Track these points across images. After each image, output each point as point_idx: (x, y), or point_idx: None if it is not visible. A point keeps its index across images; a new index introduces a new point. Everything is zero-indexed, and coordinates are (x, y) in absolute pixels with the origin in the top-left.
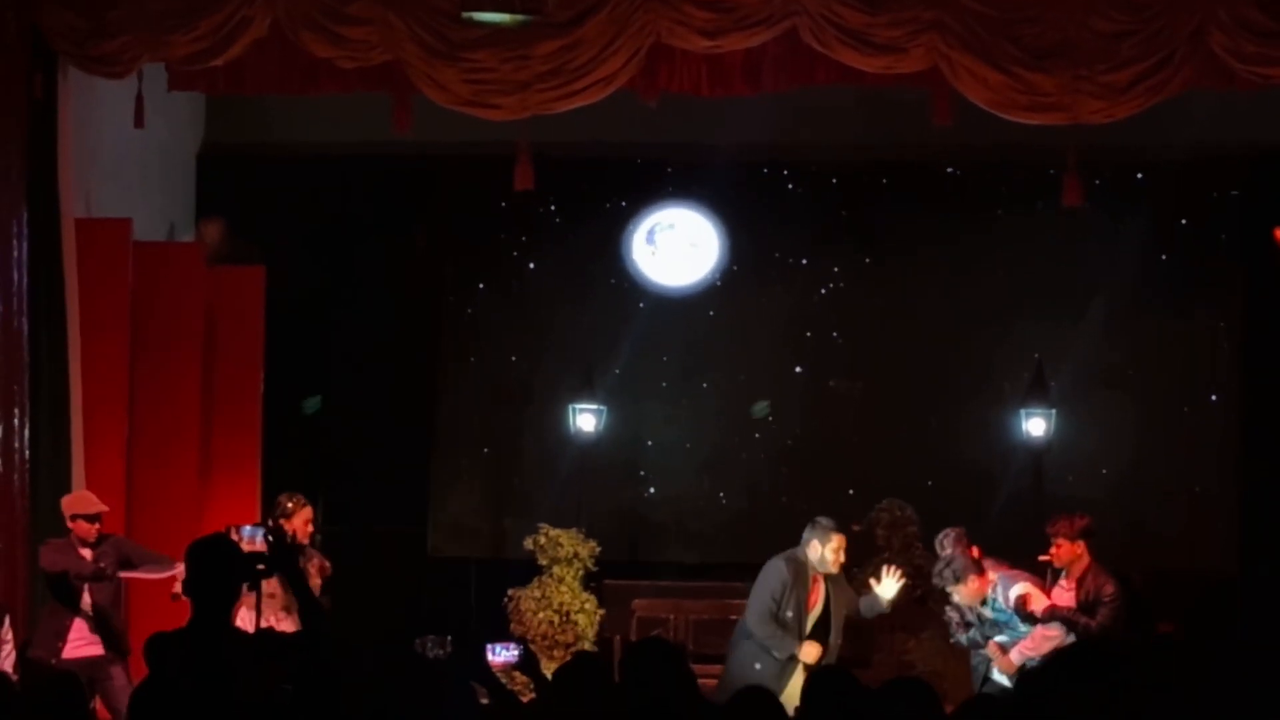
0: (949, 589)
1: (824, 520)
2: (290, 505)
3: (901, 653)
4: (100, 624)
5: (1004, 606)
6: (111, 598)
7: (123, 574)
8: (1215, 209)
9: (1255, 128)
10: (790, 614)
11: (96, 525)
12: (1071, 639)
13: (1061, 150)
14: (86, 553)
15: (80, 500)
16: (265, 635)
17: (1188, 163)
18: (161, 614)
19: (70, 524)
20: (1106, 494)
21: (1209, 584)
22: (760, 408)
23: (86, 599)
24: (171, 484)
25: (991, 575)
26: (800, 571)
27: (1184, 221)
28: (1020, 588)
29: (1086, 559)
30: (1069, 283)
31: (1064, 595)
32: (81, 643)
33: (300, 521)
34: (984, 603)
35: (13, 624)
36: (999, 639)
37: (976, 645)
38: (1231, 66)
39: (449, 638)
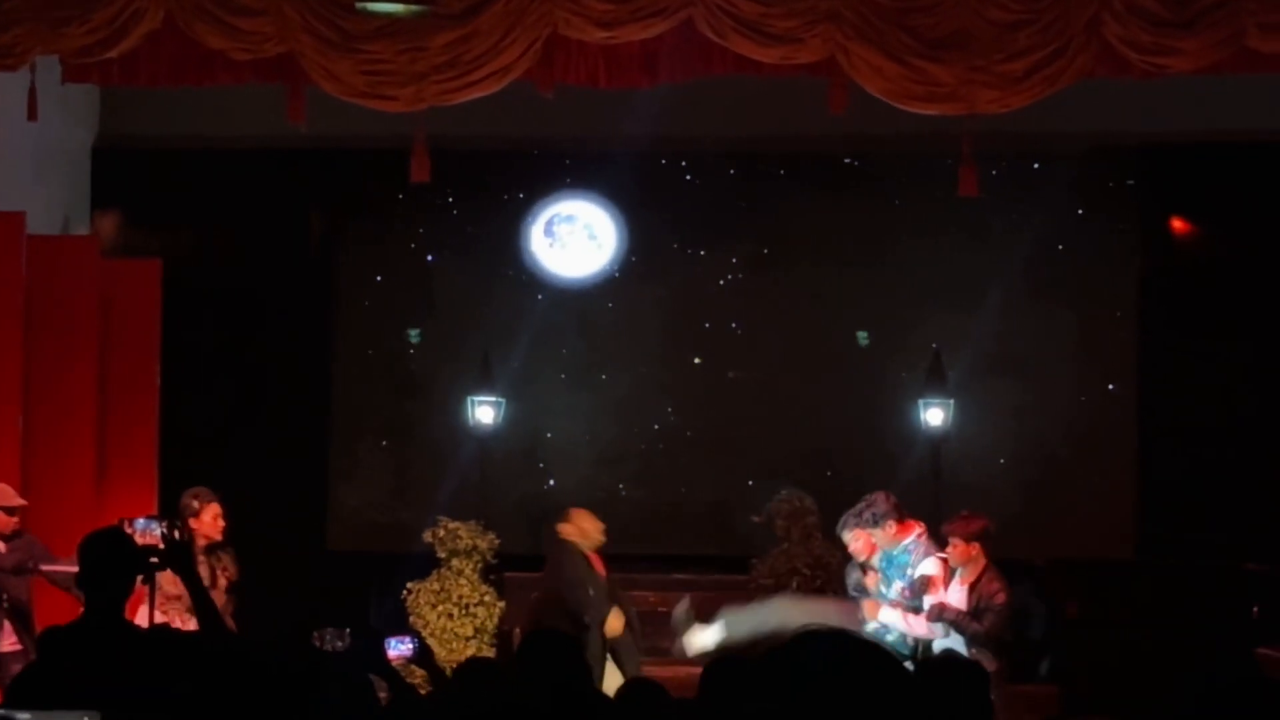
0: (859, 532)
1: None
2: (196, 504)
3: None
4: (18, 619)
5: (906, 565)
6: (27, 596)
7: (44, 567)
8: (1111, 199)
9: (1151, 118)
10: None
11: (15, 519)
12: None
13: (958, 139)
14: (1, 546)
15: (2, 492)
16: (159, 630)
17: (1084, 153)
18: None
19: None
20: (1004, 482)
21: (1106, 570)
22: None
23: (4, 594)
24: (67, 479)
25: (915, 530)
26: None
27: (1080, 211)
28: (929, 566)
29: (982, 561)
30: (966, 272)
31: (957, 592)
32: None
33: (209, 518)
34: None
35: None
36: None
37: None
38: (1127, 56)
39: (347, 631)
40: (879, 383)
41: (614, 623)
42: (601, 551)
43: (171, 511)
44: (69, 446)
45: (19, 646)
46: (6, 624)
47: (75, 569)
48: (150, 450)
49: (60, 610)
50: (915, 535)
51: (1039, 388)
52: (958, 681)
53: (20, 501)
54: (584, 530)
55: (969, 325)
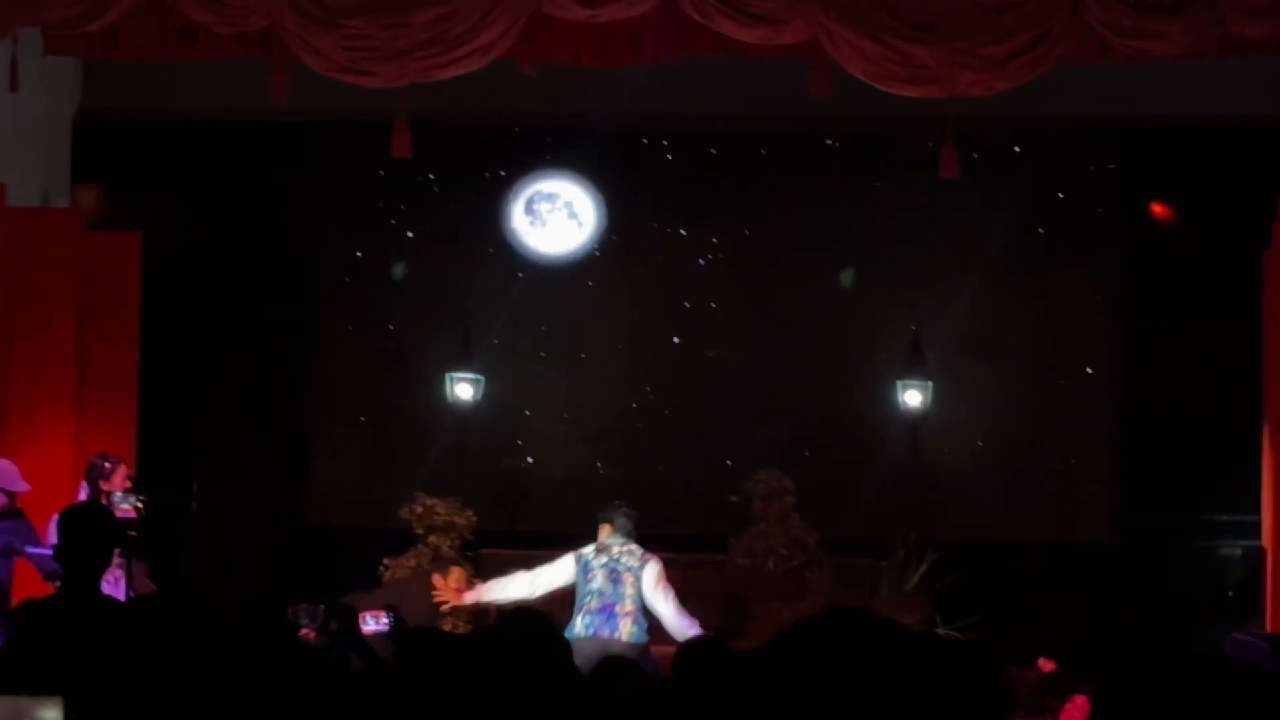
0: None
1: None
2: (108, 465)
3: (778, 623)
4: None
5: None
6: (7, 578)
7: (28, 550)
8: (1092, 182)
9: (1132, 101)
10: None
11: (11, 505)
12: None
13: (939, 122)
14: None
15: (6, 473)
16: (135, 604)
17: (1065, 136)
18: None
19: None
20: (982, 464)
21: (1083, 553)
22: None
23: None
24: (45, 453)
25: None
26: None
27: (1061, 194)
28: None
29: None
30: (946, 254)
31: None
32: None
33: (119, 480)
34: None
35: None
36: None
37: None
38: (1109, 40)
39: (321, 608)
40: (858, 364)
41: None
42: (575, 528)
43: (149, 487)
44: (47, 421)
45: None
46: None
47: (43, 552)
48: (129, 425)
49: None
50: None
51: (1017, 370)
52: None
53: (23, 486)
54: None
55: (948, 307)
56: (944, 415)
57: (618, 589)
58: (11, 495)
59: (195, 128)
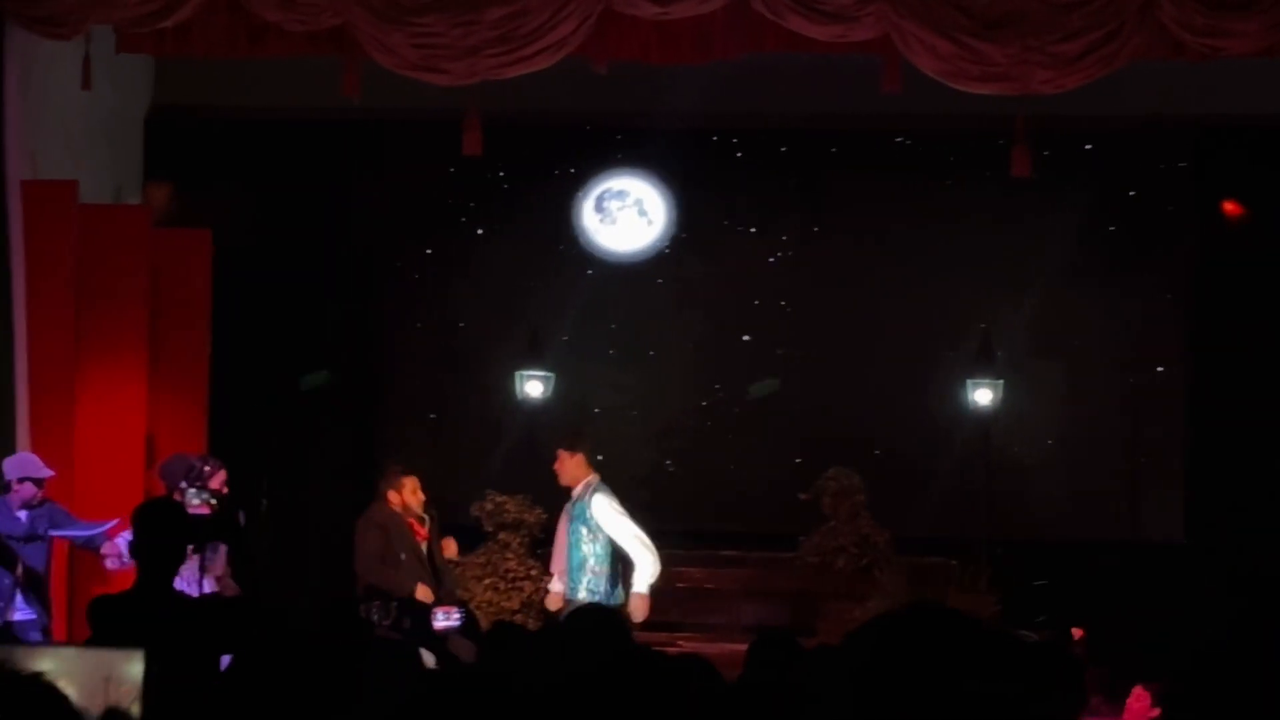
0: None
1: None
2: (207, 469)
3: (847, 621)
4: (34, 588)
5: None
6: (45, 562)
7: (52, 533)
8: (1164, 180)
9: (1204, 99)
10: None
11: (41, 491)
12: None
13: (1010, 120)
14: (23, 516)
15: (29, 462)
16: (209, 600)
17: (1137, 134)
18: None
19: (16, 485)
20: (1052, 463)
21: (1153, 553)
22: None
23: (18, 563)
24: (117, 449)
25: None
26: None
27: (1132, 193)
28: None
29: None
30: (1017, 252)
31: None
32: (20, 606)
33: (216, 485)
34: None
35: None
36: None
37: None
38: (1181, 38)
39: (394, 604)
40: (928, 362)
41: (423, 594)
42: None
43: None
44: (119, 416)
45: (32, 615)
46: (19, 593)
47: (83, 533)
48: (200, 421)
49: (85, 578)
50: None
51: (1088, 369)
52: (1053, 663)
53: (48, 473)
54: (408, 504)
55: (1019, 306)
56: (1014, 414)
57: None
58: (39, 483)
59: (266, 125)
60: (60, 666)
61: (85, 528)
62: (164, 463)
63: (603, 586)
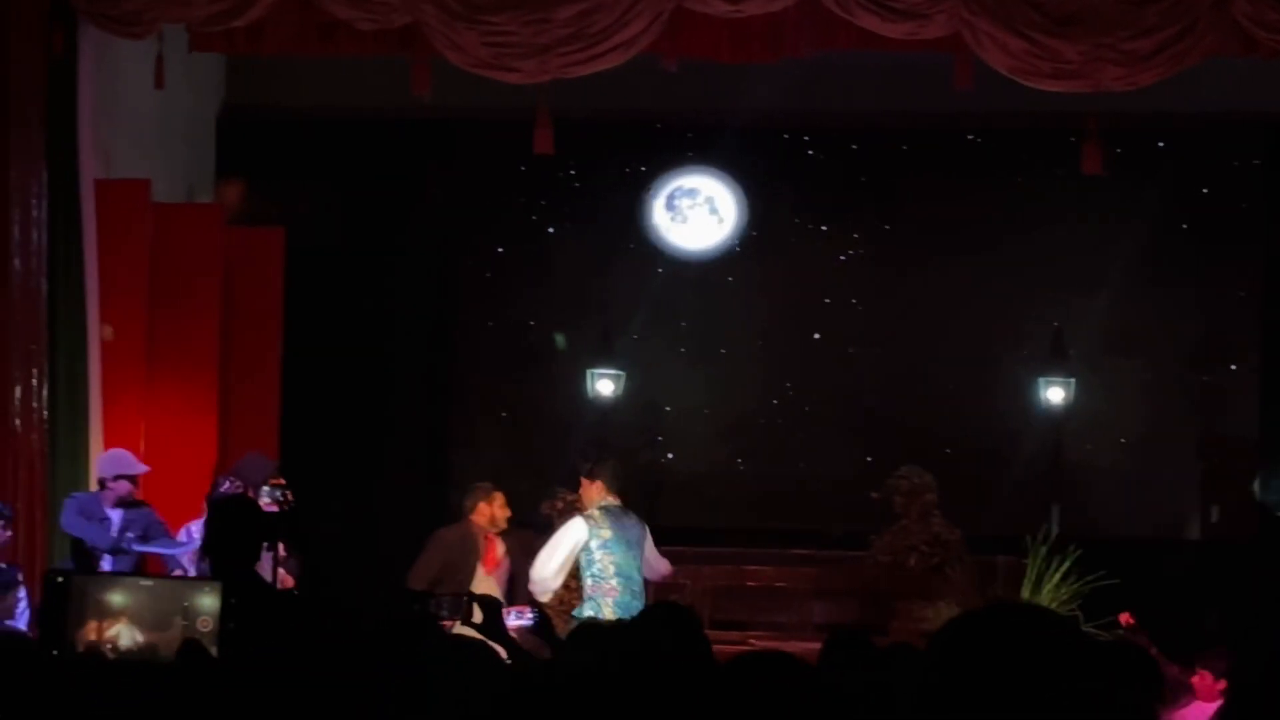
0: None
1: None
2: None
3: (919, 620)
4: None
5: None
6: (135, 567)
7: (138, 548)
8: (1236, 177)
9: (1277, 96)
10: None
11: (136, 489)
12: None
13: (1082, 117)
14: (116, 515)
15: (123, 459)
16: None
17: (1209, 130)
18: None
19: (111, 484)
20: (1125, 462)
21: (1226, 551)
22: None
23: (105, 568)
24: (190, 447)
25: None
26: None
27: (1205, 190)
28: None
29: None
30: (1089, 250)
31: None
32: None
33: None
34: None
35: (28, 583)
36: None
37: None
38: (1254, 35)
39: (465, 597)
40: (999, 360)
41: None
42: (715, 524)
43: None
44: (191, 414)
45: None
46: None
47: (180, 549)
48: (272, 419)
49: None
50: None
51: (1161, 366)
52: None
53: (142, 468)
54: (496, 518)
55: (1091, 303)
56: (1086, 412)
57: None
58: (133, 479)
59: (337, 124)
60: (137, 597)
61: (173, 545)
62: (240, 461)
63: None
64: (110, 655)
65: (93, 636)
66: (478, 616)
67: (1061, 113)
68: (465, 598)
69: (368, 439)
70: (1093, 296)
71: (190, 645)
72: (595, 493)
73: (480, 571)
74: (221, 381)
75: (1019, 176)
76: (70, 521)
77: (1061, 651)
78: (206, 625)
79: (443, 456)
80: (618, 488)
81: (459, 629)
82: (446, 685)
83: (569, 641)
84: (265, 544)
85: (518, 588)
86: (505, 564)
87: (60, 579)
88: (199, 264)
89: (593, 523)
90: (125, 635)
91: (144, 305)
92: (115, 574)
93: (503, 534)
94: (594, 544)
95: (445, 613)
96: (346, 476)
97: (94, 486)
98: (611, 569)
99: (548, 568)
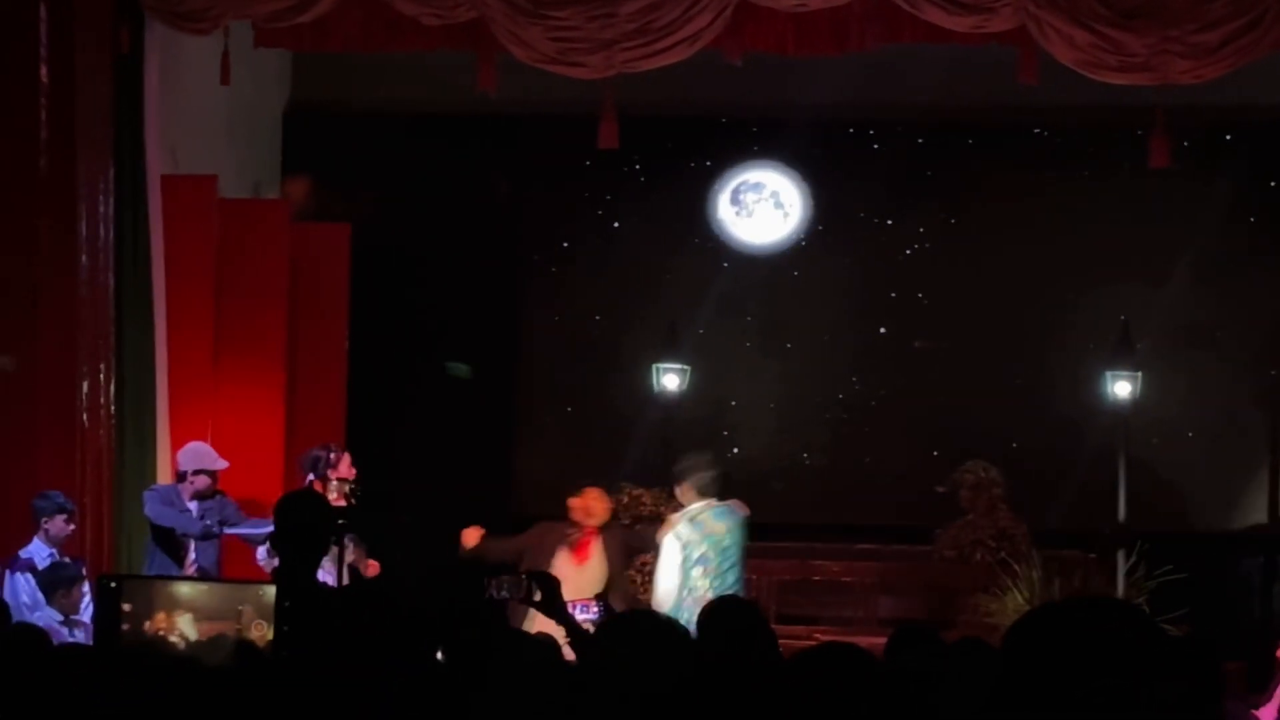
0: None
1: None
2: (333, 455)
3: (984, 614)
4: None
5: None
6: (215, 559)
7: (229, 530)
8: None
9: None
10: None
11: (215, 483)
12: None
13: (1149, 111)
14: (194, 507)
15: (204, 454)
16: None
17: (1278, 123)
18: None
19: (191, 477)
20: (1192, 455)
21: None
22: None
23: (191, 557)
24: (256, 442)
25: None
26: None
27: (1273, 183)
28: None
29: None
30: (1156, 243)
31: None
32: None
33: (345, 467)
34: None
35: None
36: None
37: None
38: None
39: (524, 576)
40: (1066, 354)
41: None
42: (780, 519)
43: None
44: (258, 410)
45: None
46: None
47: (257, 531)
48: (339, 414)
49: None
50: None
51: (1229, 361)
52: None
53: (222, 464)
54: (588, 509)
55: (1158, 297)
56: (1154, 406)
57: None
58: (213, 475)
59: (403, 120)
60: (194, 597)
61: (256, 525)
62: (303, 455)
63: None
64: (178, 645)
65: (161, 628)
66: (538, 596)
67: (1128, 106)
68: (524, 577)
69: (433, 434)
70: (1161, 290)
71: (244, 647)
72: (685, 496)
73: (570, 561)
74: (288, 378)
75: (1085, 170)
76: (157, 511)
77: (1139, 647)
78: (260, 628)
79: (507, 451)
80: (711, 490)
81: (530, 620)
82: (506, 668)
83: (616, 637)
84: (333, 539)
85: (616, 585)
86: (599, 559)
87: (113, 584)
88: (265, 260)
89: (680, 540)
90: (188, 628)
91: (211, 301)
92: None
93: (605, 530)
94: (691, 556)
95: (506, 593)
96: (411, 471)
97: (165, 479)
98: (704, 583)
99: (669, 591)
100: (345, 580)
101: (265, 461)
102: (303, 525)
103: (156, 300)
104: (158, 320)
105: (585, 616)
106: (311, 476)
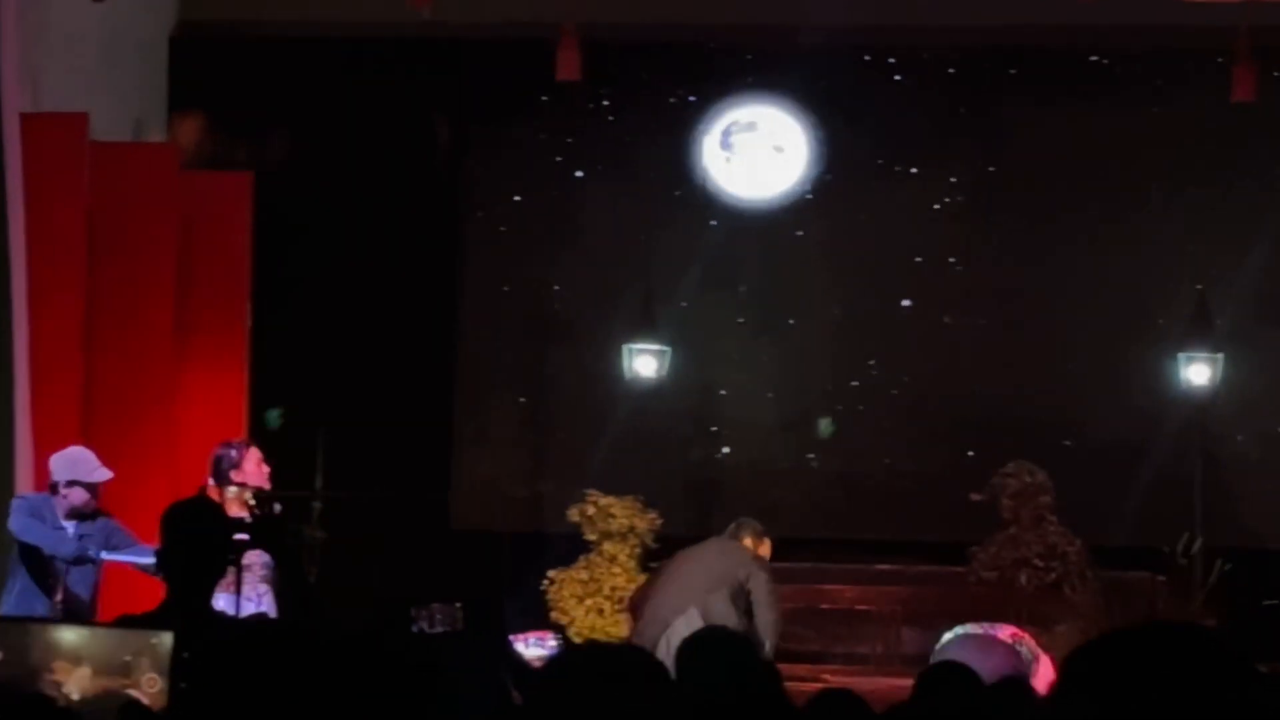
0: None
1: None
2: (234, 453)
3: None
4: (75, 619)
5: None
6: (91, 590)
7: (105, 556)
8: None
9: None
10: None
11: (95, 499)
12: None
13: (1232, 33)
14: (70, 527)
15: (81, 461)
16: (252, 622)
17: None
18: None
19: (64, 490)
20: None
21: None
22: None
23: (60, 583)
24: (138, 430)
25: None
26: None
27: None
28: None
29: None
30: (1240, 197)
31: None
32: None
33: (253, 467)
34: None
35: None
36: None
37: None
38: None
39: (458, 606)
40: (1130, 332)
41: None
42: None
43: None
44: (140, 390)
45: None
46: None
47: (140, 561)
48: (238, 400)
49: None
50: None
51: None
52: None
53: (103, 475)
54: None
55: (1241, 263)
56: (1235, 395)
57: None
58: (93, 488)
59: (317, 45)
60: (78, 645)
61: (146, 553)
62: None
63: None
64: (56, 702)
65: (38, 682)
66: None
67: (1206, 29)
68: (458, 604)
69: (354, 428)
70: (1244, 254)
71: (130, 710)
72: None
73: None
74: (176, 352)
75: (1154, 107)
76: (22, 524)
77: (1222, 685)
78: (154, 684)
79: (446, 452)
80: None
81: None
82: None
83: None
84: (230, 558)
85: None
86: None
87: None
88: (149, 213)
89: None
90: (69, 683)
91: (82, 264)
92: (38, 619)
93: None
94: None
95: (437, 625)
96: (328, 474)
97: (24, 477)
98: None
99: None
100: (251, 609)
101: (150, 455)
102: (189, 543)
103: (14, 261)
104: (15, 288)
105: (539, 651)
106: (211, 481)
